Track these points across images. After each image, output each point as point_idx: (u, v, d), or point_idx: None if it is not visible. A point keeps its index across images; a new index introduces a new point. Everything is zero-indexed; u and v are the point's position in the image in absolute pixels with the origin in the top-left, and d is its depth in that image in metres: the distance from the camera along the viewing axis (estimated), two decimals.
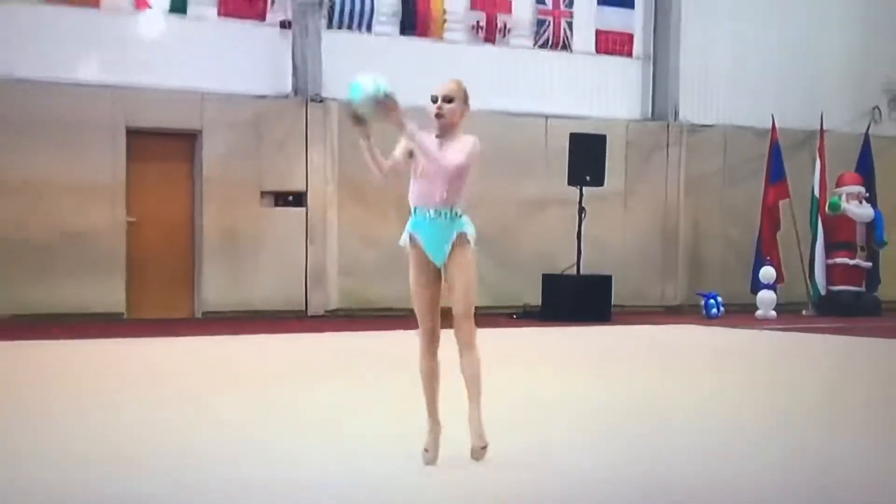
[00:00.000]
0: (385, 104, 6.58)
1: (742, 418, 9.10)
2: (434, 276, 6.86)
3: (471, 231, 6.84)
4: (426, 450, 6.91)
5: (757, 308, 19.91)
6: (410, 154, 6.82)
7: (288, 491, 6.31)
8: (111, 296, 17.30)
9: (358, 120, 6.63)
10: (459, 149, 6.74)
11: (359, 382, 11.02)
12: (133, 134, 17.34)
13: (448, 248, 6.79)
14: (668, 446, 7.78)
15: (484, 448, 6.79)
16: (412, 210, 6.89)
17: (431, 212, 6.78)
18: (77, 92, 16.88)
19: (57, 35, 16.87)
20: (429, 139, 6.78)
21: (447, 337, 6.89)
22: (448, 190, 6.77)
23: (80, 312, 16.79)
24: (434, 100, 6.76)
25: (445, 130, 6.76)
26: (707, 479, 6.87)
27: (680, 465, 7.14)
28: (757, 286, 20.24)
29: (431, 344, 6.95)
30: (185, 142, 18.09)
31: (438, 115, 6.73)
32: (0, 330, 15.07)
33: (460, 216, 6.83)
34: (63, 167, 16.81)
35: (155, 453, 7.24)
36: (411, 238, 6.85)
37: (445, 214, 6.77)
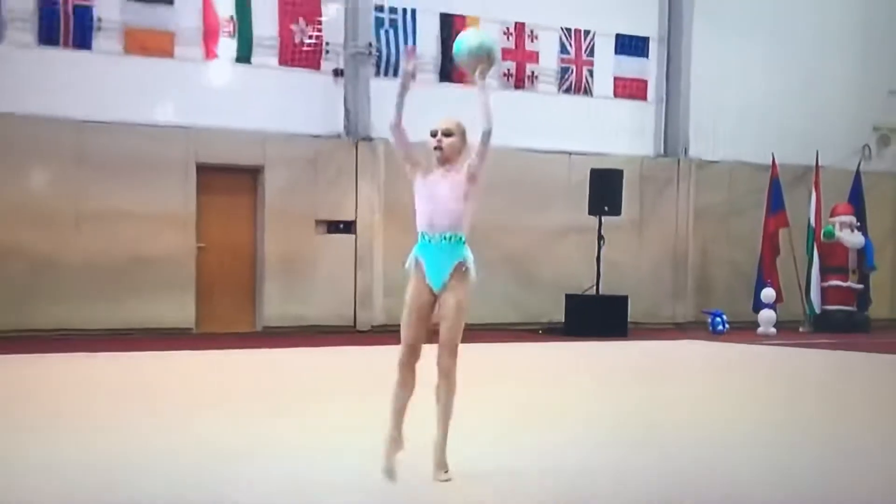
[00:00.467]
0: (480, 60, 6.48)
1: (744, 425, 9.13)
2: (429, 299, 6.48)
3: (471, 261, 6.50)
4: (388, 468, 6.36)
5: (758, 325, 19.87)
6: (410, 164, 6.57)
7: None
8: (182, 312, 17.41)
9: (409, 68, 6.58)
10: (466, 171, 6.46)
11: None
12: (203, 169, 17.45)
13: (448, 274, 6.46)
14: (673, 452, 7.77)
15: (446, 472, 6.45)
16: (420, 235, 6.57)
17: (437, 236, 6.47)
18: (153, 132, 16.98)
19: (136, 82, 16.99)
20: (433, 173, 6.52)
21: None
22: (456, 211, 6.46)
23: (156, 327, 16.92)
24: (434, 133, 6.53)
25: (444, 162, 6.50)
26: (707, 480, 6.85)
27: (680, 470, 7.11)
28: (758, 305, 20.21)
29: (411, 359, 6.47)
30: (249, 176, 18.17)
31: (438, 148, 6.49)
32: (86, 343, 15.23)
33: (464, 242, 6.51)
34: (141, 199, 16.88)
35: (226, 452, 7.40)
36: (416, 262, 6.53)
37: (451, 238, 6.46)
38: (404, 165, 6.61)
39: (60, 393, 10.74)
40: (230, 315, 18.05)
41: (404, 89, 6.63)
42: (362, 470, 6.64)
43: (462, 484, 6.40)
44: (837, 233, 20.88)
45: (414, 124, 19.99)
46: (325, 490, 6.32)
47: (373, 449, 6.55)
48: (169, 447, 7.53)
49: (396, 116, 6.56)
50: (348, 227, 18.69)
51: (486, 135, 6.47)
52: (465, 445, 6.75)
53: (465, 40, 6.60)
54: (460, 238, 6.48)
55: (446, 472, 6.45)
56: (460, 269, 6.45)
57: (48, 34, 16.53)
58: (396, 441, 6.42)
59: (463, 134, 6.59)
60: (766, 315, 19.93)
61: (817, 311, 20.88)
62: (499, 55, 6.27)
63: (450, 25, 19.22)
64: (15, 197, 16.25)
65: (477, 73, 6.51)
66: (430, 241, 6.48)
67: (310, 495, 6.24)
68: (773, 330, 19.67)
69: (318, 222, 18.50)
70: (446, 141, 6.51)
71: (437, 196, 6.46)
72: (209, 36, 17.62)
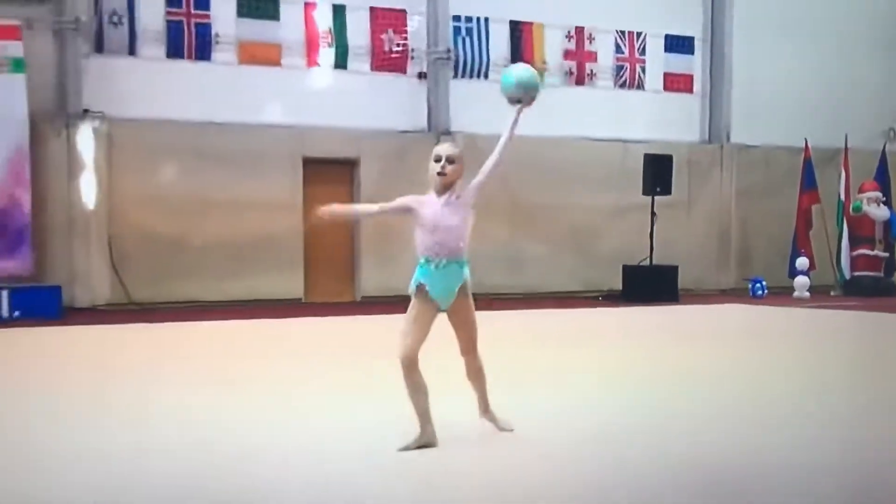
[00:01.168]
0: (526, 92, 6.11)
1: (779, 379, 9.19)
2: (433, 316, 6.16)
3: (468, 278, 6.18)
4: (416, 445, 6.12)
5: (794, 290, 19.94)
6: (404, 211, 6.20)
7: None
8: (293, 285, 17.71)
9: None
10: (467, 197, 6.11)
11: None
12: (308, 162, 17.65)
13: (455, 294, 6.12)
14: (719, 405, 7.74)
15: (506, 425, 6.53)
16: (424, 260, 6.12)
17: (443, 262, 6.07)
18: (264, 131, 17.32)
19: (249, 88, 17.32)
20: (429, 198, 6.15)
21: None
22: (462, 239, 6.09)
23: (271, 298, 17.27)
24: (438, 159, 6.10)
25: (446, 188, 6.10)
26: (744, 428, 6.81)
27: (718, 418, 7.06)
28: (794, 273, 20.29)
29: (414, 357, 6.11)
30: (347, 168, 18.33)
31: (441, 174, 6.09)
32: (212, 312, 15.68)
33: (466, 265, 6.17)
34: (256, 188, 17.18)
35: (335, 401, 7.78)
36: (418, 286, 6.12)
37: (457, 264, 6.11)
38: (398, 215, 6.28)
39: (192, 354, 11.21)
40: (333, 287, 18.22)
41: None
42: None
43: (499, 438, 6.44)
44: (865, 207, 20.80)
45: (488, 118, 20.11)
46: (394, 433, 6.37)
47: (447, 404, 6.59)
48: (281, 400, 7.95)
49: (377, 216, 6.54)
50: None
51: (496, 166, 6.17)
52: (503, 401, 6.74)
53: (516, 73, 6.27)
54: (464, 262, 6.17)
55: (506, 423, 6.54)
56: (465, 286, 6.16)
57: (174, 48, 16.95)
58: (429, 433, 6.20)
59: (462, 160, 6.19)
60: (801, 281, 20.03)
61: (847, 276, 20.81)
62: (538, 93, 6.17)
63: (518, 31, 19.45)
64: (150, 190, 16.62)
65: (518, 106, 6.17)
66: (435, 267, 6.09)
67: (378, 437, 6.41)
68: (807, 294, 19.74)
69: None
70: (450, 168, 6.11)
71: (442, 226, 6.06)
72: (311, 46, 17.87)
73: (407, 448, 6.11)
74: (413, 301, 6.18)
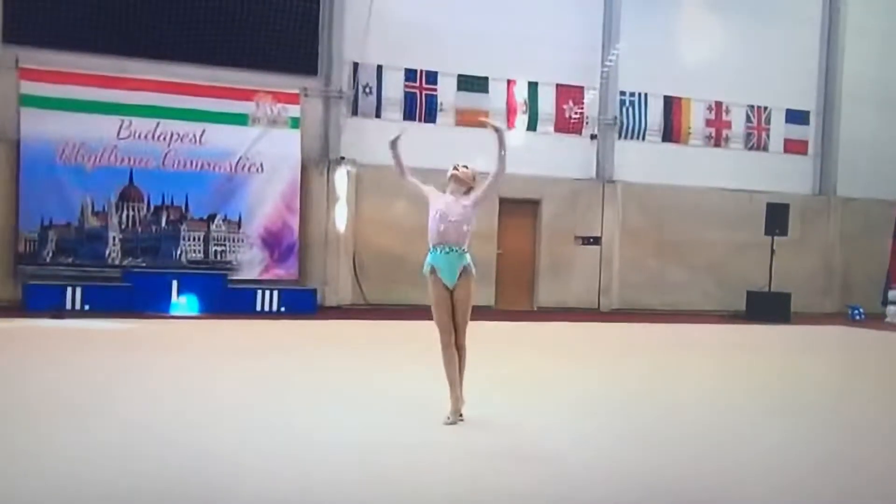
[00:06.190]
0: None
1: (867, 384, 8.97)
2: (446, 295, 5.99)
3: (472, 265, 5.94)
4: (448, 417, 5.97)
5: (885, 316, 19.00)
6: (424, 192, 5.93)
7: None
8: (487, 294, 17.48)
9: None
10: (469, 201, 5.95)
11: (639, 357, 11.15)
12: (502, 201, 17.47)
13: (457, 275, 5.93)
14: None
15: (461, 417, 5.99)
16: (431, 247, 5.96)
17: (446, 248, 5.93)
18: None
19: (462, 143, 16.71)
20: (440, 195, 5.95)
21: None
22: (462, 234, 5.90)
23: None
24: (455, 167, 6.10)
25: (459, 188, 5.97)
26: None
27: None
28: (886, 302, 19.34)
29: (449, 339, 6.01)
30: (532, 206, 18.30)
31: (455, 171, 6.07)
32: (423, 313, 15.97)
33: (466, 254, 5.94)
34: None
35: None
36: (432, 269, 5.98)
37: (457, 251, 5.94)
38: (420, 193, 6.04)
39: (411, 342, 11.46)
40: (516, 298, 18.14)
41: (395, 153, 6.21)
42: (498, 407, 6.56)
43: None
44: None
45: (644, 171, 19.22)
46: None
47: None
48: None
49: (399, 170, 6.14)
50: (596, 240, 18.71)
51: (495, 182, 6.01)
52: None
53: None
54: (464, 252, 5.99)
55: (461, 416, 6.01)
56: (466, 272, 5.94)
57: (409, 112, 17.21)
58: (454, 398, 6.04)
59: (473, 174, 6.19)
60: (892, 309, 18.98)
61: None
62: None
63: (670, 104, 19.16)
64: (384, 218, 16.86)
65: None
66: (441, 252, 5.98)
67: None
68: None
69: (576, 237, 18.57)
70: (462, 170, 6.13)
71: (447, 219, 5.97)
72: (510, 113, 17.97)
73: (448, 422, 5.92)
74: (429, 282, 5.97)
